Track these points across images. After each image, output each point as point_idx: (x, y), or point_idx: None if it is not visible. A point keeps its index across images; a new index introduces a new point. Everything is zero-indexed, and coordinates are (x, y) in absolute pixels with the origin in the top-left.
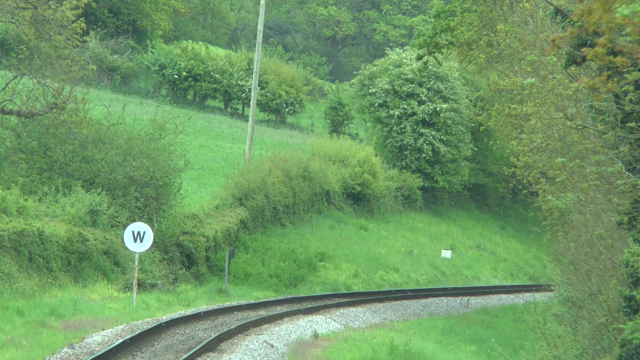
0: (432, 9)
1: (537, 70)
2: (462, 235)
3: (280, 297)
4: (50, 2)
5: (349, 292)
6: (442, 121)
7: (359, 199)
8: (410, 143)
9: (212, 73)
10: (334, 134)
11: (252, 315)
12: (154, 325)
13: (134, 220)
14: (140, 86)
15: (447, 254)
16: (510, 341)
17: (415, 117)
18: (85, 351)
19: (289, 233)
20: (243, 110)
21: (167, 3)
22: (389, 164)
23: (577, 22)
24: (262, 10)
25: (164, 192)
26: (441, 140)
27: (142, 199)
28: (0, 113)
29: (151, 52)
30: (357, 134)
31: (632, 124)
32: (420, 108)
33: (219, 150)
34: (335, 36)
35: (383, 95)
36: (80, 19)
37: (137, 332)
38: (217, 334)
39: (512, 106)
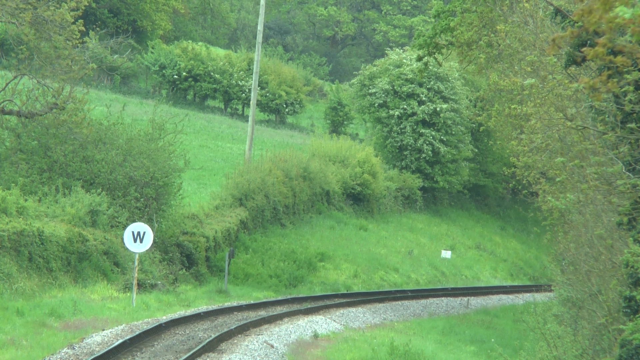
0: (432, 9)
1: (537, 71)
2: (462, 236)
3: (280, 298)
4: (50, 3)
5: (349, 292)
6: (442, 121)
7: (359, 199)
8: (410, 143)
9: (212, 73)
10: (334, 134)
11: (252, 315)
12: (153, 325)
13: (134, 221)
14: (140, 86)
15: (447, 254)
16: (510, 341)
17: (415, 117)
18: (85, 351)
19: (289, 233)
20: (243, 110)
21: (167, 3)
22: (389, 164)
23: (577, 22)
24: (262, 11)
25: (164, 192)
26: (441, 141)
27: (142, 199)
28: (0, 113)
29: (151, 52)
30: (357, 134)
31: (632, 125)
32: (420, 108)
33: (219, 150)
34: (335, 36)
35: (383, 95)
36: (79, 20)
37: (137, 333)
38: (217, 334)
39: (512, 106)
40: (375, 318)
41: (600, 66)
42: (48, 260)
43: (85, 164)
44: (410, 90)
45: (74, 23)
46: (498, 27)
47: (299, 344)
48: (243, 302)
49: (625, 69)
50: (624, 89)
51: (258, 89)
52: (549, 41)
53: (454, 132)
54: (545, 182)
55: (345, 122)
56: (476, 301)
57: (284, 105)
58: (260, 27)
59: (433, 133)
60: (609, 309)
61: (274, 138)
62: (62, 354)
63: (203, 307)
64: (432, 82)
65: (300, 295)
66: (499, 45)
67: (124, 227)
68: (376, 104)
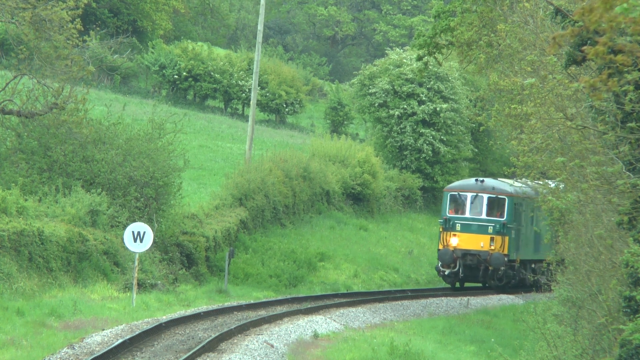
0: (432, 9)
1: (537, 70)
2: None
3: (280, 297)
4: (50, 3)
5: (349, 292)
6: (442, 121)
7: (359, 199)
8: (410, 143)
9: (212, 73)
10: (334, 134)
11: (252, 315)
12: (153, 325)
13: (134, 220)
14: (140, 86)
15: None
16: (510, 341)
17: (415, 117)
18: (85, 351)
19: (289, 233)
20: (243, 110)
21: (167, 3)
22: (389, 164)
23: (578, 22)
24: (262, 11)
25: (163, 192)
26: (441, 141)
27: (142, 199)
28: (0, 113)
29: (151, 52)
30: (357, 134)
31: (632, 124)
32: (420, 108)
33: (219, 150)
34: (335, 36)
35: (383, 95)
36: (77, 19)
37: (137, 332)
38: (217, 334)
39: (512, 106)
40: (375, 318)
41: (600, 65)
42: (48, 260)
43: (85, 164)
44: (410, 90)
45: (71, 22)
46: (498, 27)
47: (299, 344)
48: (243, 302)
49: (625, 68)
50: (624, 88)
51: (258, 88)
52: (549, 40)
53: (454, 132)
54: (546, 182)
55: (345, 122)
56: (476, 301)
57: (284, 105)
58: (260, 27)
59: (433, 133)
60: (609, 309)
61: (274, 138)
62: (62, 353)
63: (203, 307)
64: (432, 82)
65: (300, 295)
66: (499, 45)
67: (124, 227)
68: (376, 104)
